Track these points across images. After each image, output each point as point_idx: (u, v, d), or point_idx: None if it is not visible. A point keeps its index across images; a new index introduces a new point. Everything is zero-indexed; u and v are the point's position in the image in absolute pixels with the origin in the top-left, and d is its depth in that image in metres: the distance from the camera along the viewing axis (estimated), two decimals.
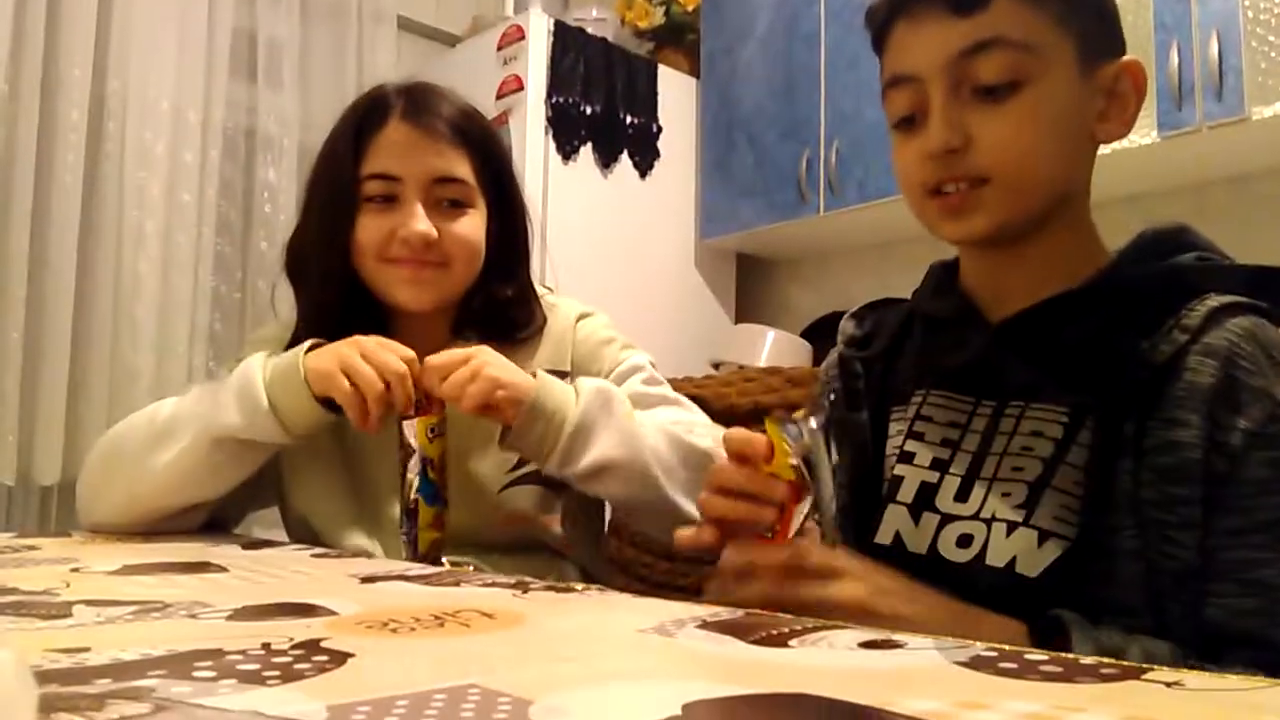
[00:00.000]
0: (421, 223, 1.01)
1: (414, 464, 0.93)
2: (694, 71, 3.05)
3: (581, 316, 1.14)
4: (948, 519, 0.74)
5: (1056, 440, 0.72)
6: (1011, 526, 0.70)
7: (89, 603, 0.57)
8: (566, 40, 2.73)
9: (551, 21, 2.72)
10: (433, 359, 0.93)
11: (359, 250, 1.03)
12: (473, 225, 1.05)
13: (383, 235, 1.02)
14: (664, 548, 1.04)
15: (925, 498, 0.76)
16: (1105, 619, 0.64)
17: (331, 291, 1.06)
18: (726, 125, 2.92)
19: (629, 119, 2.85)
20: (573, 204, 2.72)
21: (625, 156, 2.86)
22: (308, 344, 0.96)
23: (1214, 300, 0.71)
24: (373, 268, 1.04)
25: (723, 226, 2.93)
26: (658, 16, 3.08)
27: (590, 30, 2.85)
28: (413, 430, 0.94)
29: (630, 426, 0.95)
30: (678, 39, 3.10)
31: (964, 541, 0.73)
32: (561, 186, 2.71)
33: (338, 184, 1.03)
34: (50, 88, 2.41)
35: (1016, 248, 0.78)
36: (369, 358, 0.92)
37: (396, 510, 1.02)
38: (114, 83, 2.51)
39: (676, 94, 2.99)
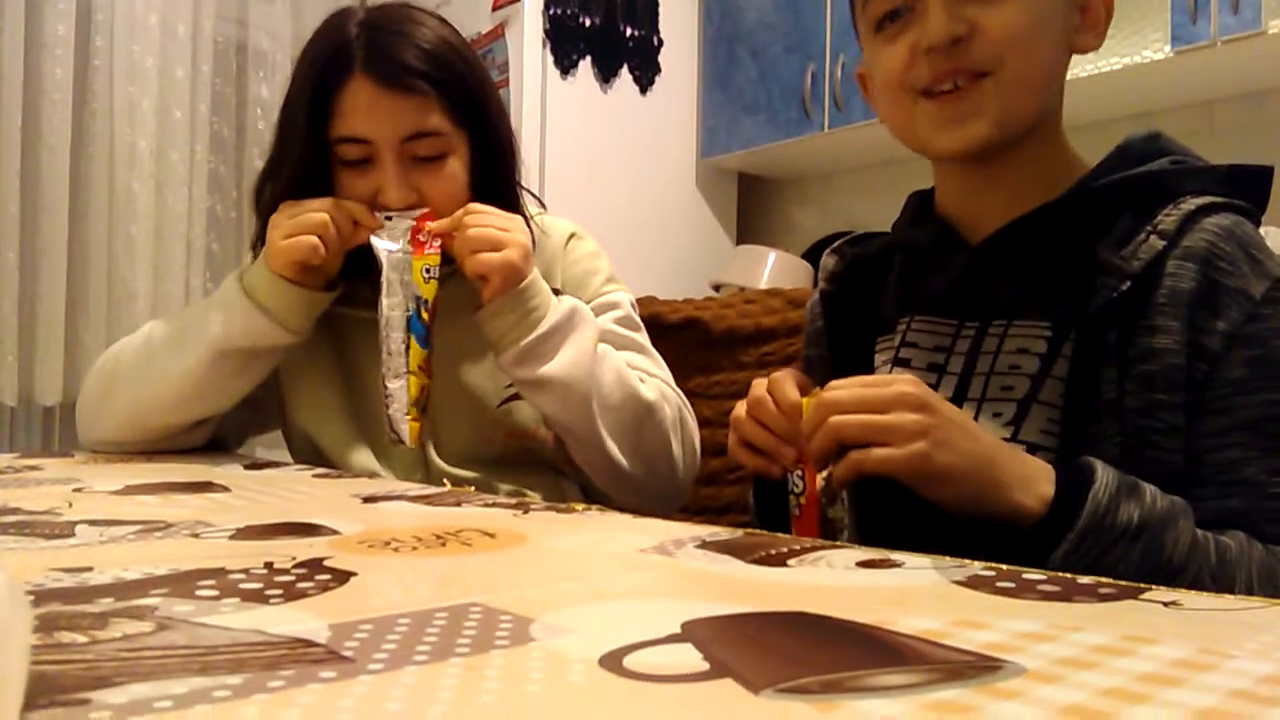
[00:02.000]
0: (399, 190, 0.98)
1: (399, 303, 0.94)
2: None
3: (572, 236, 1.14)
4: None
5: (1041, 355, 0.72)
6: None
7: (91, 522, 0.57)
8: None
9: None
10: (478, 207, 0.97)
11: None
12: (452, 174, 1.01)
13: (365, 199, 0.99)
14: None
15: None
16: None
17: None
18: (729, 38, 2.85)
19: (629, 31, 2.78)
20: (571, 120, 2.67)
21: (625, 71, 2.79)
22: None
23: (1190, 203, 0.71)
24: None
25: (724, 144, 2.88)
26: None
27: None
28: (407, 268, 0.95)
29: (590, 353, 0.97)
30: None
31: None
32: (560, 102, 2.65)
33: (308, 147, 0.99)
34: (35, 2, 2.35)
35: (994, 168, 0.77)
36: (298, 207, 0.96)
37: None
38: None
39: (678, 5, 2.91)
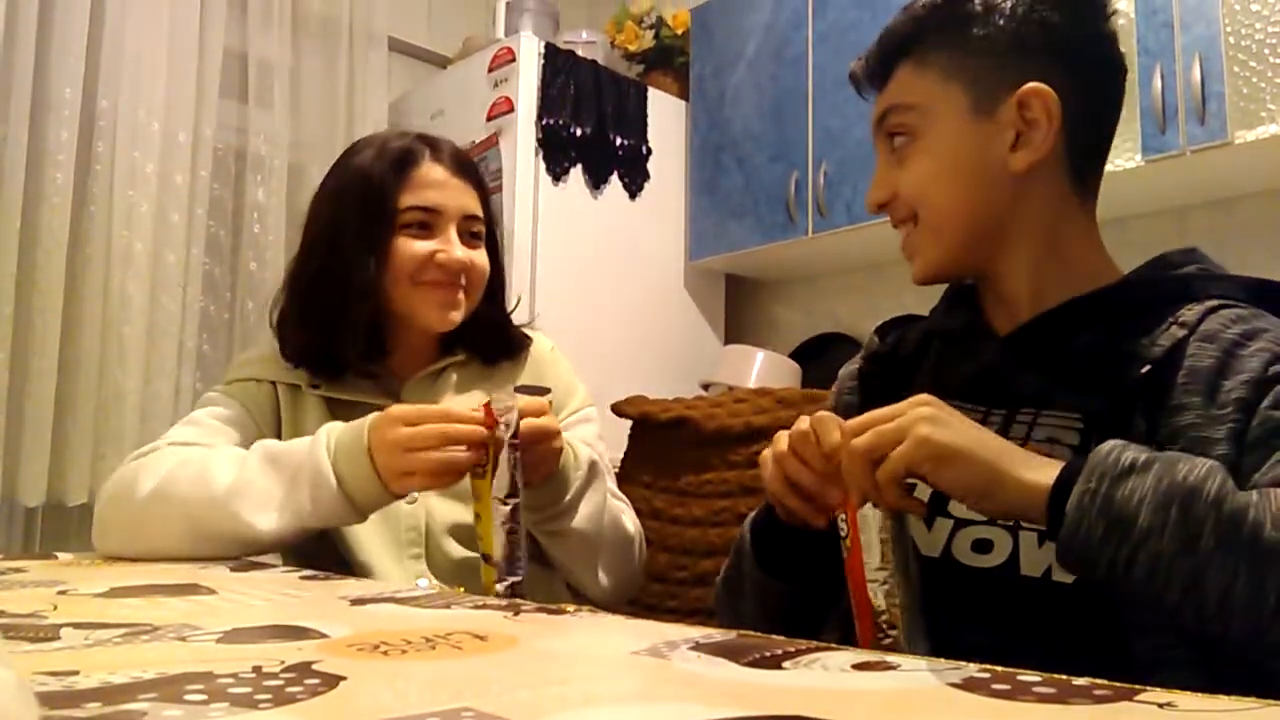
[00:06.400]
0: (460, 250, 1.13)
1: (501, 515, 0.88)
2: (683, 94, 3.07)
3: (552, 348, 1.26)
4: (961, 524, 0.76)
5: (1073, 447, 0.73)
6: (1043, 535, 0.71)
7: (77, 625, 0.56)
8: (557, 63, 2.75)
9: (542, 44, 2.74)
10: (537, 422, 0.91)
11: (392, 272, 1.12)
12: (485, 258, 1.18)
13: (420, 260, 1.11)
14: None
15: (938, 503, 0.78)
16: (1140, 616, 0.65)
17: (364, 311, 1.11)
18: (715, 147, 2.94)
19: (619, 140, 2.87)
20: (563, 225, 2.73)
21: (615, 178, 2.87)
22: (367, 425, 0.94)
23: (1213, 302, 0.74)
24: (404, 290, 1.12)
25: (712, 247, 2.94)
26: (647, 39, 3.10)
27: (580, 53, 2.86)
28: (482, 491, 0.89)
29: (603, 505, 1.05)
30: (667, 62, 3.12)
31: (980, 546, 0.75)
32: (552, 208, 2.71)
33: (377, 212, 1.11)
34: (40, 107, 2.41)
35: (989, 283, 0.83)
36: (446, 435, 0.89)
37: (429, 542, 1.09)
38: (104, 103, 2.51)
39: (666, 116, 3.00)
